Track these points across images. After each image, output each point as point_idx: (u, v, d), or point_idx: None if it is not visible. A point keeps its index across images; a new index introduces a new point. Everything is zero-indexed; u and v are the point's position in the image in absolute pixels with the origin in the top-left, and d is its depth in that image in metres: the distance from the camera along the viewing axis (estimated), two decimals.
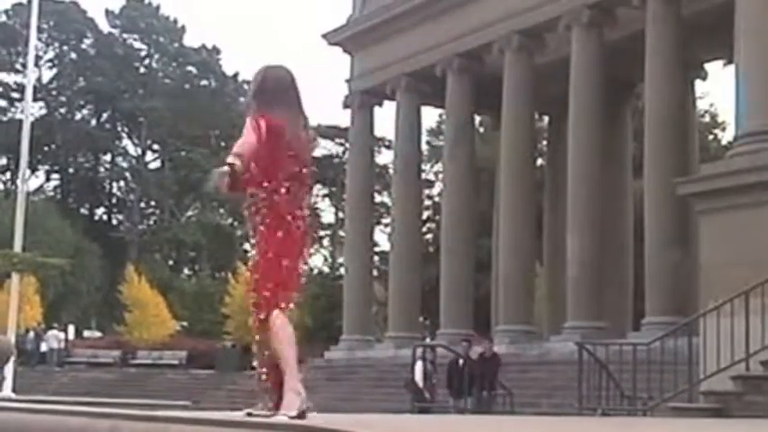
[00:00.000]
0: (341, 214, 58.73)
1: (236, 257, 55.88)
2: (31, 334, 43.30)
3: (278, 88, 5.72)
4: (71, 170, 71.40)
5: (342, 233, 51.93)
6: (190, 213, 71.38)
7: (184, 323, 53.94)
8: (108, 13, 70.36)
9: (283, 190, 5.59)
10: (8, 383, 24.65)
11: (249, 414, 5.24)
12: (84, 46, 70.94)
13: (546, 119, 38.14)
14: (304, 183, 5.70)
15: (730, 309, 13.30)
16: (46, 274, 42.72)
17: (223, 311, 46.51)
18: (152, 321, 46.84)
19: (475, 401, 19.17)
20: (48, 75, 70.14)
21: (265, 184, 5.57)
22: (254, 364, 5.65)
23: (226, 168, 5.40)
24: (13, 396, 22.26)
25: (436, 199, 52.40)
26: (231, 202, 67.85)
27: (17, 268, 30.45)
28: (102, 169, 72.37)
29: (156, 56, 71.64)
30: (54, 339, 43.86)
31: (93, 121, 72.04)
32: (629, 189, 32.37)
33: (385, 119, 39.29)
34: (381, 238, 51.75)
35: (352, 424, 4.45)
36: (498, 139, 32.73)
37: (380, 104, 36.89)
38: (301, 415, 5.09)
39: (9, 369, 23.35)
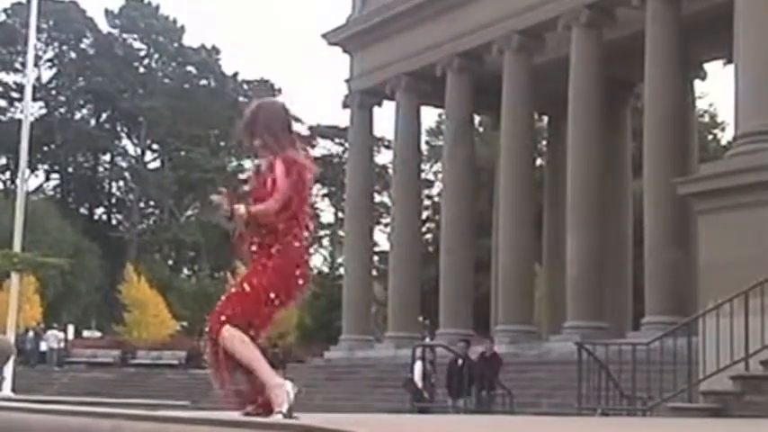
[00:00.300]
0: (341, 214, 58.74)
1: (236, 257, 55.85)
2: (31, 334, 43.28)
3: (287, 123, 5.60)
4: (70, 170, 71.37)
5: (341, 233, 51.95)
6: (189, 213, 71.37)
7: (184, 323, 53.91)
8: (107, 12, 70.39)
9: (297, 238, 5.50)
10: (8, 383, 24.66)
11: (247, 414, 5.21)
12: (83, 46, 70.93)
13: (545, 118, 38.15)
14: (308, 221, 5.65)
15: (730, 309, 13.29)
16: (45, 274, 42.71)
17: None
18: (151, 321, 46.86)
19: (474, 401, 19.16)
20: (47, 74, 70.19)
21: (281, 226, 5.47)
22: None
23: (243, 213, 5.43)
24: (13, 396, 22.26)
25: (436, 199, 52.44)
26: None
27: (17, 268, 30.45)
28: (101, 169, 72.38)
29: (156, 56, 71.64)
30: (54, 339, 43.84)
31: (93, 121, 72.04)
32: (629, 189, 32.39)
33: (384, 119, 39.34)
34: (381, 238, 51.78)
35: (352, 423, 4.46)
36: (498, 139, 32.75)
37: (380, 104, 36.91)
38: (292, 408, 5.07)
39: (9, 369, 23.36)
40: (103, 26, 70.45)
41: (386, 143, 54.09)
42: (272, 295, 5.41)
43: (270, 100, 5.88)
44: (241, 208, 5.46)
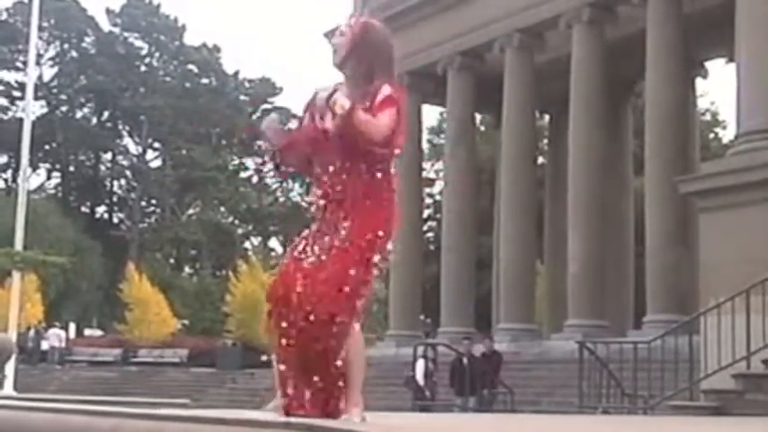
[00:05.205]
0: None
1: (237, 256, 55.93)
2: (32, 332, 43.33)
3: (392, 56, 4.86)
4: (72, 168, 71.41)
5: None
6: (191, 212, 71.41)
7: (185, 321, 53.98)
8: (108, 11, 70.42)
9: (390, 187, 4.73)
10: (9, 382, 24.66)
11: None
12: (84, 44, 70.95)
13: (547, 117, 38.14)
14: None
15: (731, 307, 13.29)
16: (47, 273, 42.73)
17: (224, 310, 46.55)
18: (153, 320, 46.86)
19: (477, 400, 19.16)
20: (49, 73, 70.22)
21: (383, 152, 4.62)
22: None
23: (344, 104, 4.43)
24: (15, 394, 22.28)
25: (437, 197, 52.40)
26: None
27: (18, 266, 30.45)
28: (102, 167, 72.40)
29: (157, 54, 71.66)
30: (55, 338, 43.89)
31: (94, 120, 72.06)
32: (630, 187, 32.39)
33: None
34: None
35: (355, 422, 4.45)
36: (499, 138, 32.74)
37: None
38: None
39: (10, 367, 23.37)
40: (105, 25, 70.56)
41: None
42: (375, 258, 4.62)
43: (376, 23, 4.91)
44: (342, 98, 4.41)
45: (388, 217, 4.66)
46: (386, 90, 4.56)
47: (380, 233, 4.58)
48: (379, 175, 4.61)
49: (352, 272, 4.53)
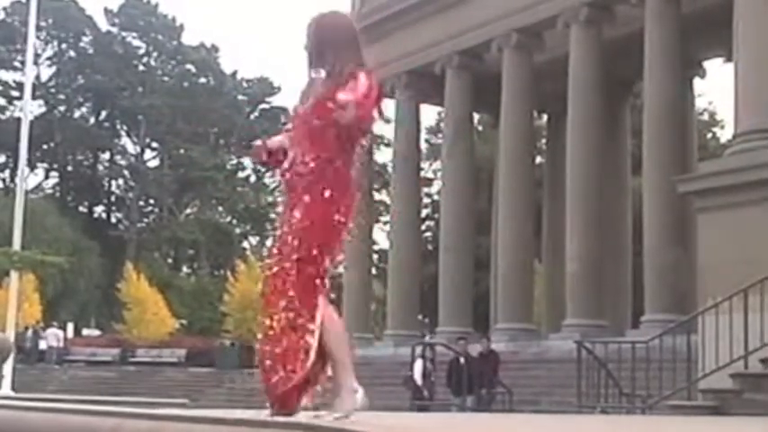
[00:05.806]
0: None
1: (235, 255, 55.90)
2: (30, 332, 43.29)
3: (357, 43, 5.08)
4: (70, 168, 71.37)
5: None
6: (189, 211, 71.40)
7: (183, 321, 53.96)
8: (107, 11, 70.41)
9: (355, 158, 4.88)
10: (7, 381, 24.67)
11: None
12: (82, 44, 70.93)
13: (545, 117, 38.12)
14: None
15: (729, 306, 13.28)
16: (45, 272, 42.69)
17: (222, 309, 46.54)
18: (151, 319, 46.88)
19: (475, 400, 19.16)
20: (47, 73, 70.20)
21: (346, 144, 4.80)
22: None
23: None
24: (13, 394, 22.28)
25: (435, 197, 52.42)
26: (230, 200, 66.98)
27: (16, 266, 30.44)
28: (101, 167, 72.37)
29: (155, 54, 71.64)
30: (53, 337, 43.83)
31: (92, 119, 72.04)
32: (629, 187, 32.40)
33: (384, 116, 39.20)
34: (380, 237, 51.78)
35: (354, 422, 4.46)
36: (497, 138, 32.75)
37: None
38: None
39: (8, 367, 23.36)
40: (103, 24, 70.56)
41: (385, 141, 54.06)
42: (337, 217, 4.76)
43: (334, 13, 5.07)
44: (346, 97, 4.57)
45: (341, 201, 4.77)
46: (364, 79, 4.78)
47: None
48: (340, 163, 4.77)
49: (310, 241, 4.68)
